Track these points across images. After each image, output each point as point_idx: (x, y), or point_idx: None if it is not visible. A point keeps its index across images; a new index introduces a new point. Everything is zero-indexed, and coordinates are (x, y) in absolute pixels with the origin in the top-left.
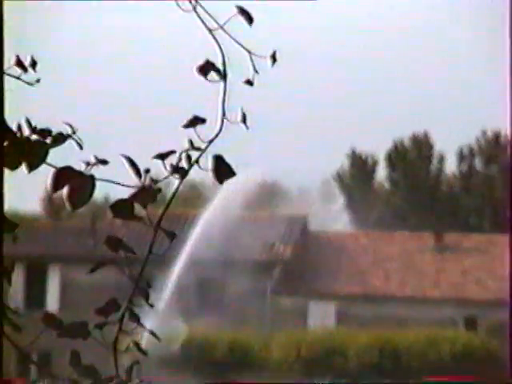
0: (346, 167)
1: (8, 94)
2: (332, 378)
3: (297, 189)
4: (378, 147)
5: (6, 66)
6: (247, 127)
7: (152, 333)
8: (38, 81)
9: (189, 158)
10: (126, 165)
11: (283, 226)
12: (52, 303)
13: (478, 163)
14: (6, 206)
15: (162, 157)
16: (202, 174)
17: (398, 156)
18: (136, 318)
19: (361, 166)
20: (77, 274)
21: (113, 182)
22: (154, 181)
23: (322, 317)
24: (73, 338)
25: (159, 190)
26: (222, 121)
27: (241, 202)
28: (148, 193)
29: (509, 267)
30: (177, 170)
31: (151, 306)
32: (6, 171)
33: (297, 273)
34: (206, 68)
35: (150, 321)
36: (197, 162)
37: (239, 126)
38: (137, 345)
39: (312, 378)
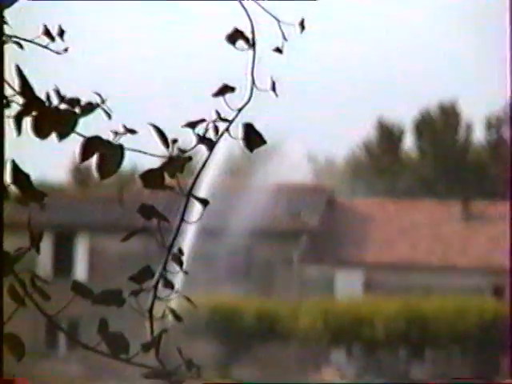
0: (372, 136)
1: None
2: (359, 347)
3: (324, 158)
4: (404, 116)
5: (34, 35)
6: (276, 95)
7: (188, 299)
8: (65, 50)
9: (216, 128)
10: (154, 134)
11: (310, 196)
12: (80, 272)
13: (506, 132)
14: (34, 175)
15: (192, 125)
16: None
17: (424, 125)
18: (170, 285)
19: (387, 135)
20: (104, 242)
21: (141, 152)
22: (182, 150)
23: (348, 286)
24: (107, 306)
25: (190, 158)
26: (252, 89)
27: (268, 171)
28: (176, 162)
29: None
30: (204, 140)
31: (186, 272)
32: (36, 140)
33: (323, 242)
34: (234, 36)
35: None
36: (227, 130)
37: (268, 94)
38: (173, 312)
39: (339, 347)
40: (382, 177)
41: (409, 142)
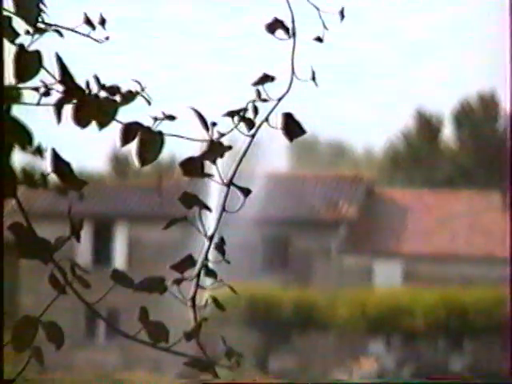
0: (411, 127)
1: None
2: (398, 338)
3: (362, 148)
4: (443, 106)
5: (75, 24)
6: (317, 85)
7: (231, 288)
8: (107, 38)
9: (255, 109)
10: (195, 119)
11: (348, 186)
12: (119, 261)
13: None
14: (74, 164)
15: (232, 114)
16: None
17: (464, 115)
18: (213, 274)
19: (427, 126)
20: (144, 231)
21: (181, 137)
22: (222, 134)
23: (387, 276)
24: (149, 293)
25: (230, 147)
26: (291, 78)
27: (306, 161)
28: (217, 147)
29: None
30: (244, 121)
31: (228, 262)
32: (76, 129)
33: (362, 232)
34: (274, 26)
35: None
36: (266, 119)
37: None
38: (215, 301)
39: (377, 337)
40: (421, 167)
41: (448, 132)
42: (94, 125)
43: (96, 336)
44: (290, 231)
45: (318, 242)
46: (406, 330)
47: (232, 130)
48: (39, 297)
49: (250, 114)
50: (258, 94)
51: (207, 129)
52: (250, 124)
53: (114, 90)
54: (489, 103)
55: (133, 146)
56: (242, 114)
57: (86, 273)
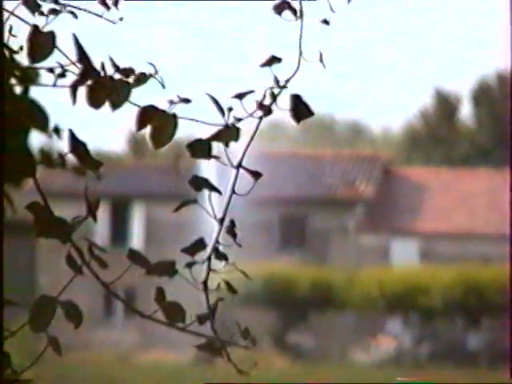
0: (429, 105)
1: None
2: (416, 316)
3: (380, 128)
4: (461, 85)
5: (90, 4)
6: (324, 66)
7: (242, 272)
8: (120, 19)
9: (273, 95)
10: (210, 103)
11: (365, 165)
12: (136, 240)
13: None
14: (91, 145)
15: (241, 97)
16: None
17: (481, 93)
18: (224, 257)
19: (444, 104)
20: (160, 211)
21: (196, 121)
22: (238, 119)
23: (405, 254)
24: (160, 276)
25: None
26: (299, 60)
27: (323, 140)
28: (231, 131)
29: None
30: (262, 107)
31: (239, 245)
32: (91, 110)
33: (379, 211)
34: (281, 7)
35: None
36: (275, 100)
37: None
38: (227, 283)
39: (395, 316)
40: (439, 146)
41: (466, 111)
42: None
43: (113, 315)
44: (308, 210)
45: (336, 221)
46: (424, 308)
47: (250, 115)
48: (57, 277)
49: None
50: (276, 80)
51: (222, 113)
52: (267, 111)
53: (128, 71)
54: (506, 81)
55: (148, 128)
56: (259, 101)
57: (104, 252)
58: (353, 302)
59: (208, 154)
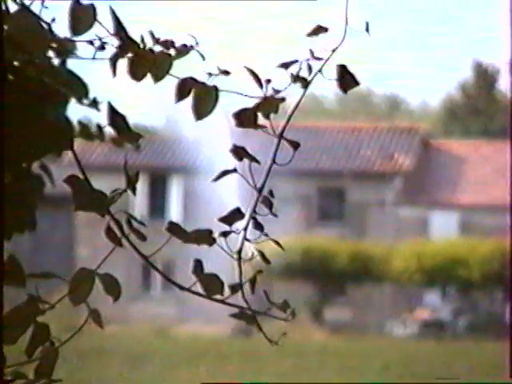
0: (468, 77)
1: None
2: (454, 288)
3: (419, 101)
4: (500, 57)
5: None
6: (370, 36)
7: (276, 242)
8: None
9: (309, 67)
10: (249, 76)
11: (404, 138)
12: (175, 213)
13: None
14: (130, 120)
15: (286, 66)
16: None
17: None
18: (260, 227)
19: (484, 76)
20: (199, 183)
21: (235, 93)
22: (276, 91)
23: (443, 227)
24: (198, 245)
25: (283, 99)
26: (345, 30)
27: (361, 113)
28: (270, 103)
29: None
30: (298, 79)
31: (275, 215)
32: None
33: (418, 184)
34: None
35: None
36: (320, 71)
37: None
38: (261, 254)
39: (433, 288)
40: (478, 118)
41: (505, 83)
42: (149, 78)
43: (151, 289)
44: (346, 183)
45: (374, 194)
46: (462, 281)
47: (288, 87)
48: (95, 250)
49: (304, 72)
50: (312, 52)
51: (261, 86)
52: (305, 83)
53: (168, 43)
54: None
55: (189, 100)
56: (296, 71)
57: (142, 225)
58: (391, 275)
59: (254, 123)
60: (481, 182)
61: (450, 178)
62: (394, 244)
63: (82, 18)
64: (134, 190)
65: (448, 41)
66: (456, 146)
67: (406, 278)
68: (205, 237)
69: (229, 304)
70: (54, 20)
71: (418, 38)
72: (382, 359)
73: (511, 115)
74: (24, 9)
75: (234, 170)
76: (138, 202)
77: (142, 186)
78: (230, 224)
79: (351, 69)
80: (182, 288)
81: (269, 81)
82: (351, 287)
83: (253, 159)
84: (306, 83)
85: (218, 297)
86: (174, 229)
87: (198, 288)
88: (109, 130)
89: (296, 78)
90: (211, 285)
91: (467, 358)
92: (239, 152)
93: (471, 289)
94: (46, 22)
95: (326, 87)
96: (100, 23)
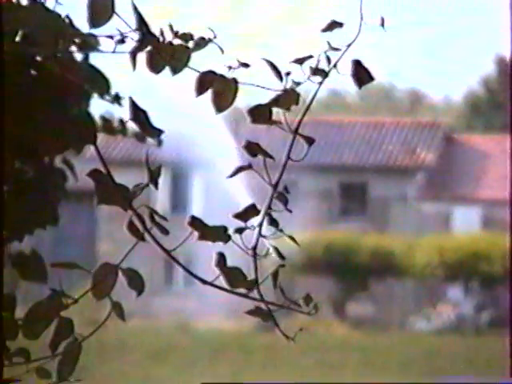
0: (491, 72)
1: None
2: (477, 283)
3: (442, 96)
4: None
5: None
6: (385, 30)
7: (292, 238)
8: None
9: (328, 59)
10: (268, 69)
11: (426, 132)
12: (196, 207)
13: None
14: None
15: (301, 61)
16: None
17: None
18: (275, 224)
19: (507, 71)
20: (219, 179)
21: (255, 86)
22: (296, 83)
23: (466, 222)
24: (213, 242)
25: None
26: (360, 25)
27: (383, 107)
28: (291, 96)
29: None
30: (316, 72)
31: (290, 211)
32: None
33: (440, 178)
34: None
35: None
36: (335, 66)
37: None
38: (276, 250)
39: (455, 283)
40: (501, 113)
41: None
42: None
43: (173, 283)
44: (368, 178)
45: (396, 189)
46: (485, 276)
47: (308, 79)
48: (117, 245)
49: (322, 64)
50: (329, 44)
51: (281, 78)
52: (323, 76)
53: (187, 36)
54: None
55: (208, 93)
56: (315, 64)
57: (165, 220)
58: (413, 270)
59: (269, 119)
60: (503, 177)
61: (472, 173)
62: (416, 239)
63: (100, 11)
64: (156, 185)
65: (471, 34)
66: (479, 140)
67: (428, 273)
68: (220, 233)
69: (252, 298)
70: (67, 17)
71: (440, 33)
72: (404, 354)
73: (511, 113)
74: (37, 3)
75: (250, 166)
76: (160, 197)
77: (164, 180)
78: (245, 220)
79: (367, 64)
80: (204, 282)
81: (288, 73)
82: (373, 282)
83: (267, 155)
84: (325, 75)
85: (242, 290)
86: (196, 223)
87: (219, 282)
88: (131, 125)
89: (316, 71)
90: (234, 278)
91: (489, 353)
92: (253, 148)
93: (493, 283)
94: (67, 17)
95: (348, 82)
96: (119, 16)
